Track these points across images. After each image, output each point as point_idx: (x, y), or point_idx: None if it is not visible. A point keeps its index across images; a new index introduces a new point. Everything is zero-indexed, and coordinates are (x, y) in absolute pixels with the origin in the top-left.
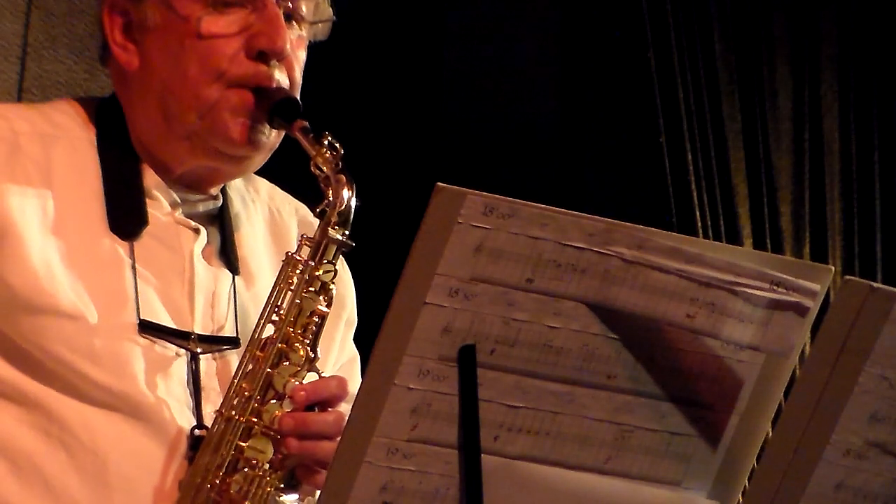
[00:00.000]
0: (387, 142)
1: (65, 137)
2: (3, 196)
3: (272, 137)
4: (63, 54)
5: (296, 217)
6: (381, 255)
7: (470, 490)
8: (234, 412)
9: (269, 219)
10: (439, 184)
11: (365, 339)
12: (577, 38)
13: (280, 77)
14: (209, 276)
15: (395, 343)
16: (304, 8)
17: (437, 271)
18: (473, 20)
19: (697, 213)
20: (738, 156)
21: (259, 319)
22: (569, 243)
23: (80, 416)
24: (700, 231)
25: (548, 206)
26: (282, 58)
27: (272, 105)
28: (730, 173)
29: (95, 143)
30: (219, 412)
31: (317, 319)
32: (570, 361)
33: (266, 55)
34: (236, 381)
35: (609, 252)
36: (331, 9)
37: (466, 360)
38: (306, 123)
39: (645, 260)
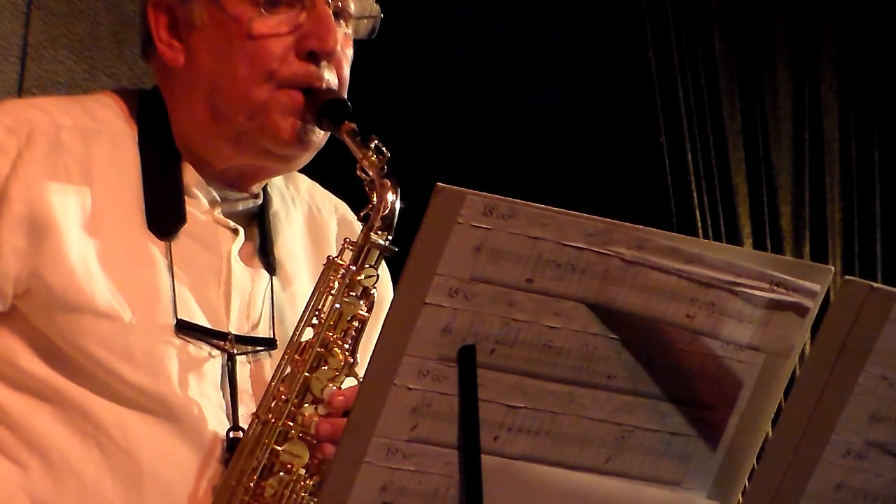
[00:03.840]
0: (386, 140)
1: (106, 132)
2: (44, 193)
3: (320, 137)
4: (63, 54)
5: (335, 215)
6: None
7: (470, 490)
8: (270, 415)
9: (308, 217)
10: (439, 184)
11: None
12: (578, 38)
13: (329, 77)
14: (246, 276)
15: (395, 343)
16: (352, 6)
17: (437, 271)
18: (473, 20)
19: (697, 213)
20: (738, 156)
21: (298, 322)
22: (569, 243)
23: (115, 416)
24: (700, 231)
25: (548, 206)
26: (332, 58)
27: (321, 106)
28: (730, 173)
29: (136, 139)
30: (255, 415)
31: (357, 324)
32: (570, 361)
33: (317, 55)
34: (273, 384)
35: (609, 252)
36: (377, 5)
37: (466, 360)
38: (354, 126)
39: (645, 260)
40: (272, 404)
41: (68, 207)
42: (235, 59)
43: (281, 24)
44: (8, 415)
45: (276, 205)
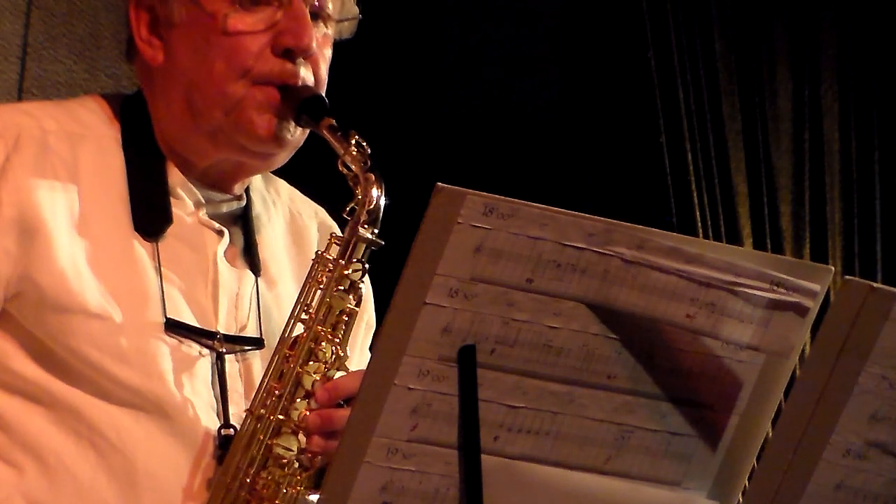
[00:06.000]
0: (385, 140)
1: (91, 136)
2: (33, 195)
3: (297, 135)
4: (63, 54)
5: (315, 220)
6: (381, 254)
7: (470, 490)
8: (263, 410)
9: (289, 220)
10: (439, 184)
11: None
12: (578, 38)
13: (306, 75)
14: (233, 277)
15: (395, 343)
16: (330, 6)
17: (437, 271)
18: (472, 20)
19: (697, 213)
20: (738, 156)
21: (289, 318)
22: (569, 243)
23: (108, 416)
24: (700, 231)
25: (548, 206)
26: (308, 55)
27: (299, 103)
28: (730, 173)
29: (121, 142)
30: (248, 411)
31: (346, 318)
32: (570, 361)
33: (292, 53)
34: (266, 379)
35: (609, 252)
36: (356, 7)
37: (466, 360)
38: (333, 121)
39: (645, 260)
40: (265, 400)
41: (57, 210)
42: (211, 55)
43: (257, 22)
44: (1, 417)
45: (258, 207)
